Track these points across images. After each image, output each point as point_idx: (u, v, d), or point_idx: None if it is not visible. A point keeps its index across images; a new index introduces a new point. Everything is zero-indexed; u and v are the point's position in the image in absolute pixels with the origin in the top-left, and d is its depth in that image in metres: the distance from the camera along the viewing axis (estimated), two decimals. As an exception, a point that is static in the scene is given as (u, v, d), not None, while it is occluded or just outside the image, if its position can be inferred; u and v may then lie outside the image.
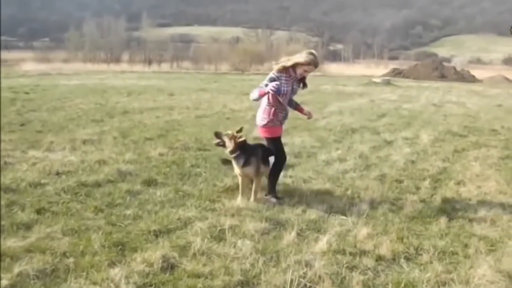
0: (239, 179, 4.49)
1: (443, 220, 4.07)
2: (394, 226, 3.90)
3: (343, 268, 3.11)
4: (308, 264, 3.12)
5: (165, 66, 42.44)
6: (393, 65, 47.63)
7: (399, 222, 3.99)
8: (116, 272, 2.88)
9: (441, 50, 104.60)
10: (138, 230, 3.59)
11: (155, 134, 7.55)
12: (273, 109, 4.30)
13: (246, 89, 13.74)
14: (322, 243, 3.45)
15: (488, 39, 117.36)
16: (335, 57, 70.02)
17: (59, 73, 27.72)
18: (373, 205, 4.42)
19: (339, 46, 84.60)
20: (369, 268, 3.15)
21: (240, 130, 4.44)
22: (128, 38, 55.18)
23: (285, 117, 4.44)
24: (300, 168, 5.72)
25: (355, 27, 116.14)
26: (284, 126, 4.61)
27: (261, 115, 4.37)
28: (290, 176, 5.25)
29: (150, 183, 4.81)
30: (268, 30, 72.43)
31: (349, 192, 4.82)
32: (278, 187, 4.63)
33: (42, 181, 4.71)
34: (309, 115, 4.60)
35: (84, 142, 6.73)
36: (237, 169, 4.41)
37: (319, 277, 2.96)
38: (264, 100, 4.33)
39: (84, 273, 2.91)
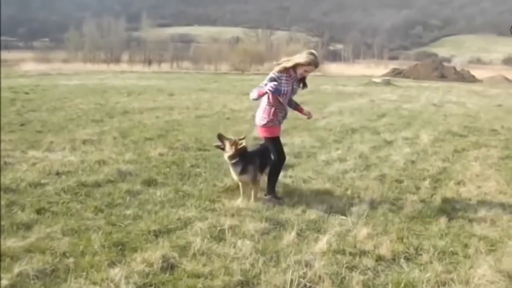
0: (239, 183, 4.50)
1: (443, 220, 4.07)
2: (394, 226, 3.90)
3: (343, 268, 3.11)
4: (308, 264, 3.12)
5: (165, 66, 42.44)
6: (393, 65, 47.65)
7: (399, 222, 3.99)
8: (116, 272, 2.88)
9: (441, 50, 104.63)
10: (138, 230, 3.59)
11: (155, 134, 7.55)
12: (273, 109, 4.30)
13: (246, 89, 13.72)
14: (322, 243, 3.45)
15: (488, 39, 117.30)
16: (335, 57, 70.04)
17: (59, 73, 27.71)
18: (373, 205, 4.42)
19: (339, 46, 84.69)
20: (369, 268, 3.15)
21: (243, 138, 4.44)
22: (128, 38, 55.14)
23: (284, 117, 4.43)
24: (300, 168, 5.71)
25: (355, 27, 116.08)
26: (284, 126, 4.61)
27: (261, 115, 4.37)
28: (290, 176, 5.25)
29: (150, 183, 4.81)
30: (268, 30, 72.43)
31: (349, 192, 4.82)
32: (278, 188, 4.63)
33: (42, 181, 4.71)
34: (309, 115, 4.60)
35: (84, 142, 6.73)
36: (234, 176, 4.42)
37: (319, 277, 2.96)
38: (264, 100, 4.33)
39: (84, 273, 2.91)
